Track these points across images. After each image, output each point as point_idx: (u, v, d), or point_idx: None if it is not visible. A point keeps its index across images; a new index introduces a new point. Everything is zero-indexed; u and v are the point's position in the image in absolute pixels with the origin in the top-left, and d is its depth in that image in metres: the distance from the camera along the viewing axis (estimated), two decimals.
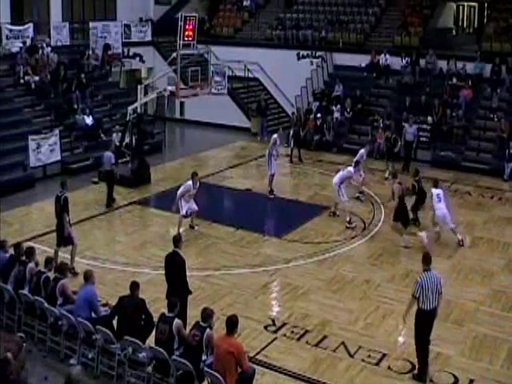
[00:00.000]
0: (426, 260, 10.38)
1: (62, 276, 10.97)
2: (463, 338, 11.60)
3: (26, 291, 11.17)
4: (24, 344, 9.32)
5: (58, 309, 10.62)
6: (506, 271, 14.60)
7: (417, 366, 10.42)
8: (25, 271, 11.38)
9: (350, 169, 17.86)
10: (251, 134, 28.28)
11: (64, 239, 14.00)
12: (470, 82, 25.59)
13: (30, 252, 11.74)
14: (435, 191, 15.98)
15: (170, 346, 9.42)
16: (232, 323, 8.92)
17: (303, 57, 29.90)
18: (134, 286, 10.26)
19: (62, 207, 13.88)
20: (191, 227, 16.80)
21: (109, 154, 18.82)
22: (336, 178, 17.59)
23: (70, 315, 10.38)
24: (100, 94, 26.21)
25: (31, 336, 10.90)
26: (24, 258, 11.66)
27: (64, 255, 14.20)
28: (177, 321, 9.51)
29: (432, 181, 16.75)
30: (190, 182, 16.30)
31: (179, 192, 16.30)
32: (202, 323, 9.24)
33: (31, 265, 11.49)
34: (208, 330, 9.14)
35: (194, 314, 10.39)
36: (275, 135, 19.85)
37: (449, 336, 11.55)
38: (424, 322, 10.15)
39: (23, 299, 11.17)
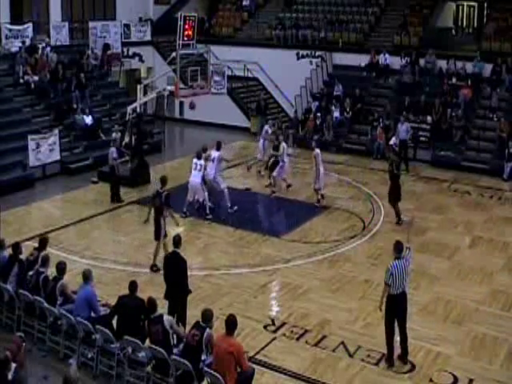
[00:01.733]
0: (398, 248, 10.56)
1: (60, 276, 10.94)
2: (463, 338, 11.59)
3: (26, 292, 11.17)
4: (23, 343, 9.32)
5: (57, 308, 10.61)
6: (505, 271, 14.59)
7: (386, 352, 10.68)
8: (22, 270, 11.37)
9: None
10: (251, 134, 28.28)
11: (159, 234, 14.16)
12: (469, 82, 25.62)
13: (46, 259, 11.51)
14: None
15: (168, 344, 9.43)
16: (231, 323, 8.91)
17: (303, 56, 29.89)
18: (134, 285, 10.26)
19: (163, 203, 14.12)
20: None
21: (111, 150, 18.84)
22: None
23: (69, 315, 10.37)
24: (99, 93, 26.23)
25: (31, 336, 10.88)
26: (39, 264, 11.45)
27: (58, 253, 14.22)
28: (166, 316, 9.53)
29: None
30: (219, 153, 17.91)
31: (221, 166, 18.30)
32: (201, 323, 9.23)
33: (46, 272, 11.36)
34: (208, 329, 9.13)
35: (193, 314, 10.38)
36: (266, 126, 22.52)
37: (448, 336, 11.55)
38: (394, 306, 10.42)
39: (23, 299, 11.16)
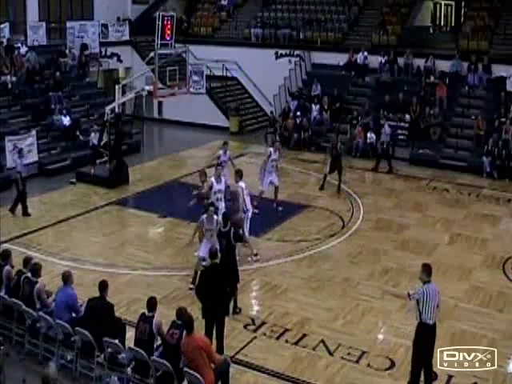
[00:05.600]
0: (427, 271, 9.71)
1: (35, 278, 10.82)
2: (442, 335, 11.61)
3: (2, 293, 11.06)
4: (1, 347, 9.23)
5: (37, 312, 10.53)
6: (483, 267, 14.71)
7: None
8: (0, 274, 11.25)
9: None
10: (230, 134, 28.28)
11: None
12: (447, 80, 25.78)
13: (7, 255, 11.59)
14: None
15: (151, 345, 9.40)
16: (190, 321, 8.94)
17: (281, 56, 29.93)
18: (103, 286, 10.16)
19: None
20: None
21: (17, 162, 18.40)
22: None
23: (48, 317, 10.29)
24: (77, 94, 26.05)
25: (9, 339, 10.76)
26: None
27: (36, 254, 14.12)
28: (156, 319, 9.48)
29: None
30: (271, 149, 17.46)
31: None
32: (178, 322, 9.22)
33: (8, 268, 11.34)
34: None
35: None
36: (270, 148, 18.29)
37: None
38: (428, 337, 9.68)
39: (0, 302, 11.04)
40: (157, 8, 33.34)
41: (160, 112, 30.70)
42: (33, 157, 21.01)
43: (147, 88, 20.75)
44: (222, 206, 14.69)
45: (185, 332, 8.96)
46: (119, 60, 30.98)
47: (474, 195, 20.22)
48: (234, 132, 28.44)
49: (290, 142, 25.53)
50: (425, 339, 9.73)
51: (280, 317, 12.23)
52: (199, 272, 11.63)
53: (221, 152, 17.56)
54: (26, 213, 17.48)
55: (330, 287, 13.56)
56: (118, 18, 32.29)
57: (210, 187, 14.61)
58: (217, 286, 10.53)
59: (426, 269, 9.74)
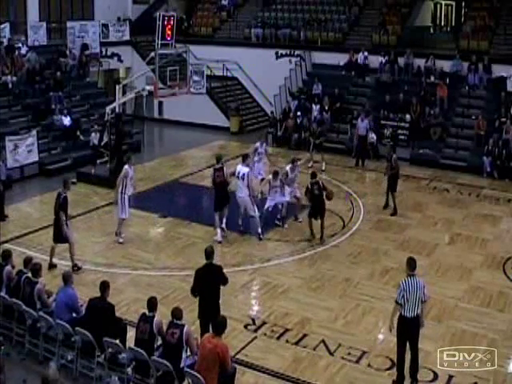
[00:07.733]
0: (411, 265, 9.94)
1: (36, 278, 10.83)
2: (442, 335, 11.67)
3: (3, 293, 11.07)
4: (2, 347, 9.23)
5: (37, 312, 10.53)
6: (484, 267, 14.71)
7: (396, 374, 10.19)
8: (1, 274, 11.26)
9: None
10: (230, 134, 28.29)
11: (60, 237, 14.05)
12: (447, 80, 25.79)
13: (7, 255, 11.59)
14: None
15: (151, 345, 9.41)
16: (220, 324, 8.91)
17: (282, 56, 29.94)
18: (104, 286, 10.16)
19: (60, 205, 13.93)
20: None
21: None
22: None
23: (48, 317, 10.30)
24: (78, 94, 26.07)
25: (9, 339, 10.76)
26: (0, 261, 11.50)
27: (37, 254, 14.12)
28: (157, 319, 9.49)
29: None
30: (288, 167, 17.22)
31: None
32: (176, 321, 9.24)
33: (8, 268, 11.35)
34: (186, 326, 9.17)
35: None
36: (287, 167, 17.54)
37: (428, 332, 11.50)
38: (406, 330, 9.81)
39: (1, 302, 11.05)
40: (157, 8, 33.43)
41: (160, 112, 30.71)
42: (33, 157, 21.07)
43: (148, 88, 20.75)
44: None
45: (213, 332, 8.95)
46: (120, 60, 31.02)
47: (475, 195, 20.22)
48: (234, 132, 28.45)
49: (290, 142, 25.60)
50: (402, 332, 9.87)
51: (280, 317, 12.24)
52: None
53: (258, 144, 19.39)
54: (1, 216, 17.21)
55: (331, 287, 13.57)
56: (119, 18, 32.36)
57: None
58: (211, 285, 10.52)
59: (409, 262, 10.03)
